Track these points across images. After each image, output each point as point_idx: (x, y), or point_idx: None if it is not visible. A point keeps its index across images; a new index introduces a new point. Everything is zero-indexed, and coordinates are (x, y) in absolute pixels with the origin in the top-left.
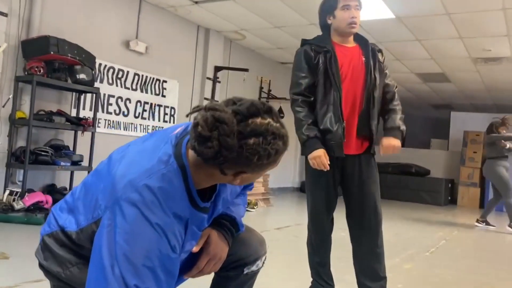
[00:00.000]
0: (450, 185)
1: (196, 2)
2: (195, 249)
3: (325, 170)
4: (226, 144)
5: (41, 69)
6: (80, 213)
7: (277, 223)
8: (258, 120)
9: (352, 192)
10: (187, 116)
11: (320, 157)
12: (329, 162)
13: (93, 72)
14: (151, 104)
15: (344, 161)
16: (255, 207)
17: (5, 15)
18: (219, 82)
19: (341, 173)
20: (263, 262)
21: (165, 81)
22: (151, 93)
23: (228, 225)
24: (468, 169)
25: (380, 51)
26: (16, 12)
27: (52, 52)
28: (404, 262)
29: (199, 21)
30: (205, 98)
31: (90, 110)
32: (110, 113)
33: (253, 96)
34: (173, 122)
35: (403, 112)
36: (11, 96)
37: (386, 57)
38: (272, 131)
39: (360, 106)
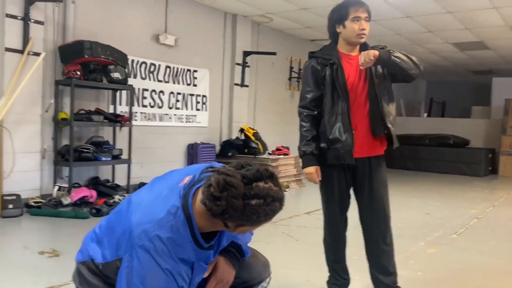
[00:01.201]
0: (490, 155)
1: None
2: (205, 275)
3: (317, 184)
4: (233, 205)
5: (78, 72)
6: (105, 247)
7: (307, 207)
8: (261, 184)
9: (362, 196)
10: (207, 179)
11: (312, 174)
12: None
13: (126, 70)
14: (184, 94)
15: (355, 164)
16: (286, 190)
17: (42, 23)
18: (248, 66)
19: (352, 175)
20: (268, 283)
21: (196, 71)
22: (183, 84)
23: (235, 252)
24: (510, 138)
25: (383, 48)
26: (51, 19)
27: (86, 56)
28: (429, 246)
29: (225, 8)
30: (235, 84)
31: (127, 105)
32: (145, 106)
33: (283, 77)
34: (205, 110)
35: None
36: (52, 101)
37: (419, 30)
38: (271, 195)
39: (368, 109)
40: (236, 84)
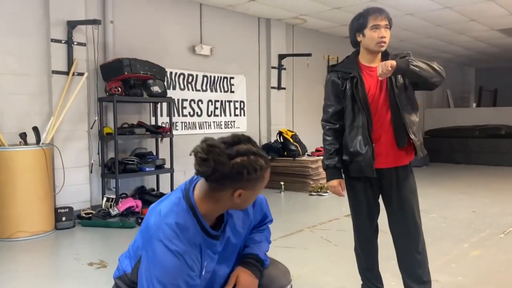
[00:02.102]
0: None
1: None
2: (228, 287)
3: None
4: (219, 161)
5: (119, 88)
6: (131, 257)
7: (348, 209)
8: (241, 145)
9: (391, 205)
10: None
11: (335, 187)
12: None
13: (165, 83)
14: (221, 101)
15: (381, 174)
16: (328, 191)
17: (84, 45)
18: (284, 69)
19: (379, 185)
20: None
21: (232, 78)
22: (220, 91)
23: (254, 262)
24: None
25: (405, 56)
26: (92, 40)
27: (126, 73)
28: (473, 248)
29: (258, 13)
30: (272, 87)
31: (167, 116)
32: (185, 116)
33: (321, 77)
34: (243, 115)
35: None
36: (96, 117)
37: (460, 20)
38: (253, 152)
39: (390, 120)
40: (273, 88)
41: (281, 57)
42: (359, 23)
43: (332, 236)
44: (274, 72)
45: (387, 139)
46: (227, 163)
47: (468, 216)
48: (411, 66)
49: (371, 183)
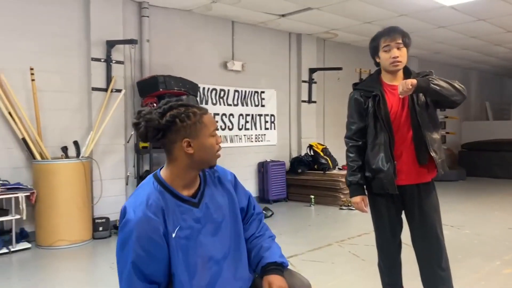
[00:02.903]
0: None
1: (283, 15)
2: None
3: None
4: (149, 118)
5: (155, 104)
6: None
7: None
8: (167, 105)
9: (413, 221)
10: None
11: (358, 204)
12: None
13: (197, 98)
14: (252, 115)
15: (403, 191)
16: None
17: (122, 62)
18: (315, 83)
19: (401, 201)
20: None
21: (263, 92)
22: (251, 105)
23: (275, 268)
24: None
25: (427, 74)
26: (130, 58)
27: (161, 89)
28: (505, 266)
29: (289, 28)
30: (302, 101)
31: None
32: (217, 130)
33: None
34: (274, 128)
35: None
36: (133, 132)
37: (495, 31)
38: (181, 104)
39: (411, 138)
40: (304, 101)
41: (312, 71)
42: (373, 46)
43: (360, 251)
44: (305, 86)
45: (408, 156)
46: (156, 118)
47: (503, 232)
48: (432, 84)
49: (393, 199)
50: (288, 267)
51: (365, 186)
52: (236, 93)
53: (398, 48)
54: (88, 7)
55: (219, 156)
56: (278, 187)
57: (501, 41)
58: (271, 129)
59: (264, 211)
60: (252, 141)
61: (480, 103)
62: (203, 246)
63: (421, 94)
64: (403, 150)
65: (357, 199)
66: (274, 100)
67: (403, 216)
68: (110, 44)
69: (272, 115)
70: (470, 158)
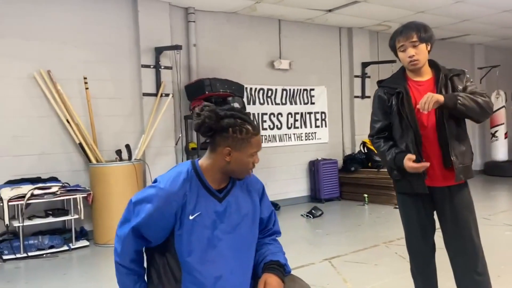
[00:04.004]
0: None
1: (330, 10)
2: None
3: (425, 168)
4: (208, 115)
5: None
6: None
7: None
8: (230, 111)
9: (445, 222)
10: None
11: (412, 166)
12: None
13: (244, 99)
14: (301, 113)
15: (433, 193)
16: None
17: (170, 68)
18: (369, 77)
19: (432, 201)
20: None
21: (312, 89)
22: (300, 103)
23: (276, 267)
24: None
25: (459, 74)
26: (178, 63)
27: (207, 92)
28: None
29: (339, 23)
30: (355, 96)
31: None
32: (265, 129)
33: None
34: (325, 126)
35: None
36: (180, 135)
37: None
38: (239, 117)
39: (437, 139)
40: (356, 97)
41: (365, 65)
42: (391, 46)
43: (407, 252)
44: (357, 81)
45: (435, 157)
46: (213, 118)
47: None
48: (459, 105)
49: (423, 199)
50: (295, 273)
51: (393, 185)
52: (284, 92)
53: (414, 47)
54: (136, 15)
55: (250, 174)
56: (331, 186)
57: None
58: (322, 126)
59: (313, 211)
60: (302, 140)
61: None
62: (217, 240)
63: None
64: (429, 150)
65: (406, 162)
66: (324, 97)
67: (435, 217)
68: (158, 51)
69: (323, 112)
70: None
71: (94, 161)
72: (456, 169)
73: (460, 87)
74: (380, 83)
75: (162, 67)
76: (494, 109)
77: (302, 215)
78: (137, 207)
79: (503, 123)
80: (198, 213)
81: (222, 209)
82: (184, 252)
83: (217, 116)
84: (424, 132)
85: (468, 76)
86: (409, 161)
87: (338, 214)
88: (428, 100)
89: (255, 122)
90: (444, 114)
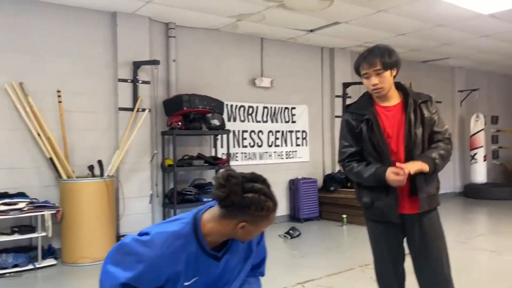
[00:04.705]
0: None
1: (311, 31)
2: None
3: (403, 177)
4: (234, 190)
5: (179, 122)
6: None
7: None
8: (256, 183)
9: (415, 250)
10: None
11: (394, 177)
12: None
13: (223, 116)
14: (282, 131)
15: (404, 219)
16: None
17: (148, 82)
18: (350, 97)
19: (402, 228)
20: None
21: (294, 108)
22: (281, 122)
23: None
24: None
25: (426, 101)
26: (156, 78)
27: (185, 108)
28: None
29: (321, 43)
30: (336, 116)
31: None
32: (246, 147)
33: None
34: (306, 145)
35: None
36: (156, 151)
37: None
38: (264, 192)
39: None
40: (337, 116)
41: (346, 85)
42: (355, 69)
43: None
44: (339, 101)
45: (405, 184)
46: (239, 194)
47: None
48: (436, 170)
49: (393, 227)
50: None
51: (363, 212)
52: (265, 110)
53: (378, 74)
54: (115, 29)
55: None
56: (310, 205)
57: None
58: (303, 145)
59: (291, 231)
60: (282, 158)
61: None
62: None
63: (419, 122)
64: None
65: (390, 174)
66: (306, 116)
67: (406, 244)
68: (137, 65)
69: (303, 131)
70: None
71: (64, 176)
72: (421, 199)
73: (427, 115)
74: (347, 107)
75: (140, 82)
76: (474, 131)
77: (280, 235)
78: (129, 258)
79: (482, 146)
80: (195, 278)
81: (220, 269)
82: None
83: (243, 190)
84: (395, 158)
85: (434, 102)
86: (392, 174)
87: (316, 235)
88: (411, 169)
89: (275, 198)
90: (411, 141)
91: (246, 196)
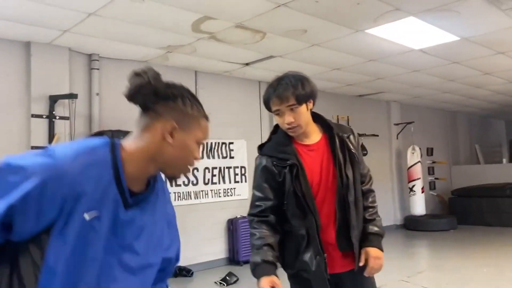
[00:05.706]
0: None
1: (247, 64)
2: None
3: None
4: (156, 78)
5: None
6: None
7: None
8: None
9: None
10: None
11: None
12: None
13: None
14: (220, 168)
15: (336, 278)
16: None
17: (67, 118)
18: None
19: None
20: None
21: (231, 143)
22: (218, 158)
23: None
24: None
25: (349, 135)
26: (77, 113)
27: None
28: None
29: (257, 77)
30: None
31: None
32: (179, 185)
33: None
34: (245, 181)
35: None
36: None
37: (473, 74)
38: (190, 93)
39: (335, 217)
40: None
41: None
42: (265, 106)
43: None
44: None
45: (332, 239)
46: (161, 82)
47: None
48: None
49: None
50: None
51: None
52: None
53: (292, 110)
54: (29, 60)
55: (186, 172)
56: (249, 247)
57: (481, 84)
58: (241, 182)
59: (227, 277)
60: (220, 196)
61: (470, 146)
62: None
63: (348, 162)
64: (327, 233)
65: (265, 282)
66: (244, 151)
67: None
68: (53, 99)
69: (242, 167)
70: (461, 205)
71: None
72: (355, 255)
73: (354, 151)
74: (261, 148)
75: (57, 117)
76: (411, 164)
77: (216, 282)
78: (12, 177)
79: (420, 178)
80: (96, 213)
81: (127, 218)
82: (64, 266)
83: (166, 85)
84: (325, 208)
85: (356, 135)
86: (267, 286)
87: (254, 280)
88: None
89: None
90: (343, 186)
91: (170, 88)
